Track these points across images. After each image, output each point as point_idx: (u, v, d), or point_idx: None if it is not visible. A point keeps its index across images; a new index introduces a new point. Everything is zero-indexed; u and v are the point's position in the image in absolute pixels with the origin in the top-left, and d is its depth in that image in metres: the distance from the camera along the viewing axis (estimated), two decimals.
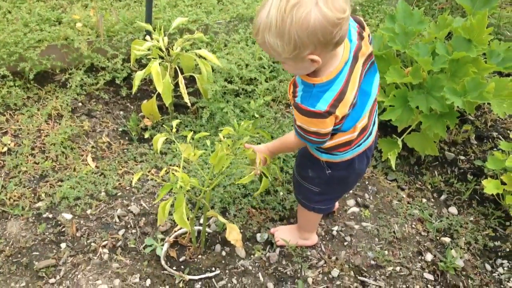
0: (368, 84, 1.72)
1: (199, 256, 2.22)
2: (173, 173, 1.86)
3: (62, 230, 2.27)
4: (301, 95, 1.60)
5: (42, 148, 2.59)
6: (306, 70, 1.57)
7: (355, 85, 1.63)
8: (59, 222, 2.29)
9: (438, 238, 2.39)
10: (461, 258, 2.30)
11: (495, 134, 2.90)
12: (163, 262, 2.17)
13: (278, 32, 1.41)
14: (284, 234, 2.27)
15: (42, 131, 2.67)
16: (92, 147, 2.65)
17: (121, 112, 2.88)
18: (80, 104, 2.86)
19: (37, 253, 2.18)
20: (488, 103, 3.06)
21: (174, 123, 2.05)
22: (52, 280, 2.09)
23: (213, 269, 2.18)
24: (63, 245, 2.22)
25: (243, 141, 1.94)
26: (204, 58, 2.65)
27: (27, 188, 2.40)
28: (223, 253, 2.24)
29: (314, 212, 2.10)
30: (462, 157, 2.77)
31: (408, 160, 2.73)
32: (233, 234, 2.08)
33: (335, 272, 2.20)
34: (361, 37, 1.65)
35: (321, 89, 1.57)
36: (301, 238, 2.26)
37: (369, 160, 1.96)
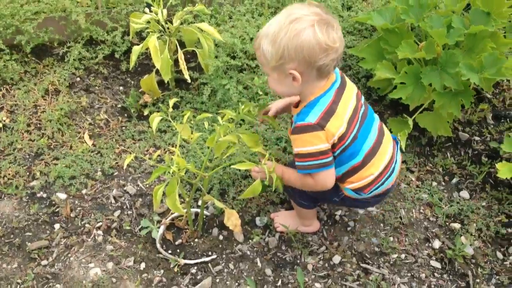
0: (370, 120, 1.80)
1: (196, 240, 2.14)
2: (169, 156, 1.76)
3: (56, 210, 2.20)
4: (295, 120, 1.72)
5: (38, 125, 2.51)
6: (287, 87, 1.68)
7: (348, 106, 1.71)
8: (53, 202, 2.22)
9: (447, 224, 2.27)
10: (471, 245, 2.18)
11: None
12: (158, 246, 2.10)
13: (272, 40, 1.58)
14: (284, 219, 2.18)
15: (38, 107, 2.59)
16: (90, 124, 2.57)
17: (121, 88, 2.78)
18: (78, 79, 2.76)
19: (30, 234, 2.12)
20: (507, 80, 2.90)
21: (171, 102, 1.95)
22: (44, 262, 2.04)
23: (210, 253, 2.11)
24: (56, 226, 2.15)
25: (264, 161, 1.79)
26: (206, 32, 2.53)
27: (22, 166, 2.34)
28: (221, 237, 2.16)
29: (301, 207, 2.04)
30: (477, 138, 2.62)
31: (419, 140, 2.60)
32: (232, 219, 1.99)
33: (336, 259, 2.10)
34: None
35: (310, 106, 1.67)
36: (302, 224, 2.16)
37: (382, 202, 2.07)
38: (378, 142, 1.79)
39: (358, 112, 1.75)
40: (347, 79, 1.80)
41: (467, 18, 2.48)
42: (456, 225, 2.26)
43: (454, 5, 2.54)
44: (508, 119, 2.71)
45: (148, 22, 2.45)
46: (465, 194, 2.40)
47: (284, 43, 1.55)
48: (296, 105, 1.80)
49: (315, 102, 1.68)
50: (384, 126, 1.89)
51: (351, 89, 1.77)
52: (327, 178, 1.73)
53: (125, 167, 2.06)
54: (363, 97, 1.82)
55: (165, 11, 2.48)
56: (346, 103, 1.71)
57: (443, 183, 2.45)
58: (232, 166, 1.83)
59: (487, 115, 2.73)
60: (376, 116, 1.86)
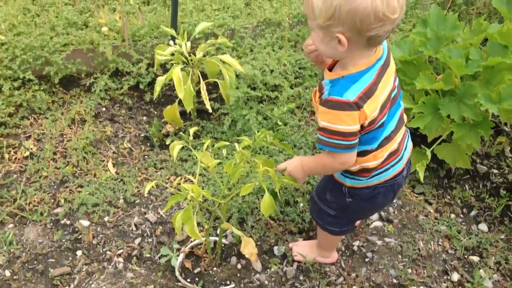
0: (397, 106, 1.67)
1: (214, 268, 2.17)
2: (183, 185, 1.81)
3: (79, 237, 2.25)
4: (328, 90, 1.55)
5: (64, 153, 2.59)
6: (330, 49, 1.50)
7: (386, 90, 1.56)
8: (76, 229, 2.28)
9: (466, 256, 2.27)
10: (490, 279, 2.17)
11: None
12: (177, 274, 2.13)
13: None
14: (302, 249, 2.19)
15: (64, 136, 2.67)
16: (113, 152, 2.64)
17: (144, 118, 2.86)
18: (103, 109, 2.85)
19: (53, 260, 2.17)
20: None
21: (192, 130, 2.01)
22: None
23: (228, 282, 2.13)
24: (78, 252, 2.20)
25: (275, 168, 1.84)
26: (228, 64, 2.61)
27: (47, 194, 2.41)
28: (239, 266, 2.18)
29: (328, 233, 2.01)
30: (495, 171, 2.63)
31: (437, 172, 2.61)
32: (248, 247, 2.02)
33: None
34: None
35: (350, 80, 1.52)
36: (320, 255, 2.18)
37: (395, 196, 1.87)
38: (396, 130, 1.69)
39: (391, 96, 1.62)
40: (391, 54, 1.64)
41: (485, 51, 2.51)
42: (475, 258, 2.25)
43: (472, 38, 2.58)
44: None
45: (172, 54, 2.53)
46: (483, 227, 2.39)
47: (336, 3, 1.37)
48: (330, 67, 1.64)
49: (357, 77, 1.52)
50: (404, 113, 1.77)
51: (392, 68, 1.62)
52: (349, 159, 1.61)
53: (146, 194, 2.11)
54: (397, 78, 1.69)
55: (188, 43, 2.56)
56: (385, 86, 1.57)
57: (461, 216, 2.44)
58: (240, 194, 1.87)
59: (505, 148, 2.73)
60: (402, 102, 1.74)
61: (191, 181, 2.18)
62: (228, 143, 2.02)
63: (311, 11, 1.44)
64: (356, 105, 1.49)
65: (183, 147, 1.98)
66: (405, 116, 1.78)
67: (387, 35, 1.46)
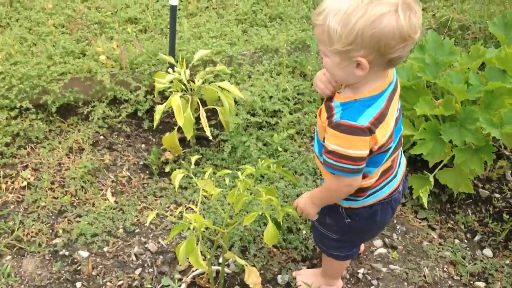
0: (398, 128, 1.65)
1: None
2: (185, 215, 1.78)
3: (78, 268, 2.20)
4: (340, 113, 1.49)
5: (62, 183, 2.55)
6: (346, 75, 1.47)
7: (394, 114, 1.54)
8: (75, 260, 2.23)
9: (471, 282, 2.24)
10: None
11: None
12: None
13: (343, 20, 1.33)
14: (307, 278, 2.15)
15: (62, 165, 2.64)
16: (112, 181, 2.60)
17: (143, 145, 2.83)
18: (101, 137, 2.82)
19: None
20: None
21: (193, 159, 1.99)
22: None
23: None
24: (78, 284, 2.15)
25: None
26: (227, 90, 2.60)
27: (45, 224, 2.36)
28: None
29: (333, 259, 1.98)
30: (497, 195, 2.61)
31: (439, 197, 2.59)
32: (252, 277, 1.99)
33: None
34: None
35: (364, 104, 1.47)
36: (325, 283, 2.14)
37: (394, 212, 1.83)
38: (394, 151, 1.65)
39: (396, 115, 1.59)
40: (397, 78, 1.61)
41: (482, 75, 2.53)
42: (481, 284, 2.22)
43: (470, 63, 2.60)
44: None
45: (171, 81, 2.52)
46: (488, 252, 2.37)
47: (359, 27, 1.32)
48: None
49: (371, 101, 1.48)
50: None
51: (398, 91, 1.59)
52: (354, 182, 1.57)
53: (147, 224, 2.07)
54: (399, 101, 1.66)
55: (187, 71, 2.56)
56: (393, 111, 1.54)
57: (465, 241, 2.42)
58: (244, 224, 1.84)
59: (506, 172, 2.72)
60: (401, 125, 1.70)
61: (192, 209, 2.15)
62: (229, 171, 2.00)
63: (327, 37, 1.38)
64: (369, 130, 1.45)
65: (184, 175, 1.95)
66: (401, 139, 1.75)
67: (407, 55, 1.43)
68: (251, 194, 1.85)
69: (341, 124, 1.47)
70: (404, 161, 1.80)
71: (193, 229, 1.79)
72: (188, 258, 1.83)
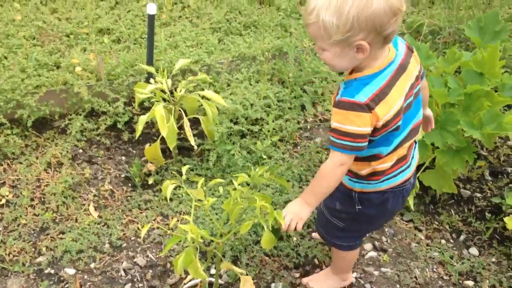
0: (412, 114, 1.67)
1: None
2: (181, 226, 1.74)
3: (66, 286, 2.13)
4: (342, 92, 1.56)
5: (42, 199, 2.47)
6: (349, 61, 1.53)
7: (401, 95, 1.57)
8: (61, 278, 2.16)
9: (461, 282, 2.27)
10: None
11: (509, 169, 2.81)
12: None
13: (337, 11, 1.40)
14: (319, 282, 2.14)
15: (41, 181, 2.55)
16: (94, 195, 2.54)
17: (123, 158, 2.77)
18: (80, 150, 2.75)
19: None
20: (501, 137, 2.99)
21: (184, 169, 1.95)
22: None
23: None
24: None
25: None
26: (208, 99, 2.58)
27: (27, 242, 2.27)
28: None
29: (336, 248, 1.98)
30: (478, 195, 2.67)
31: (423, 199, 2.63)
32: (247, 286, 1.96)
33: None
34: (410, 51, 1.63)
35: (362, 82, 1.53)
36: (339, 279, 2.14)
37: (404, 203, 1.86)
38: (407, 138, 1.68)
39: (409, 100, 1.62)
40: (413, 54, 1.65)
41: (460, 78, 2.58)
42: (470, 283, 2.26)
43: (447, 66, 2.65)
44: (505, 175, 2.78)
45: (152, 92, 2.48)
46: (474, 251, 2.41)
47: (353, 14, 1.39)
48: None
49: (370, 79, 1.53)
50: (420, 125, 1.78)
51: (410, 75, 1.61)
52: (347, 161, 1.59)
53: (142, 237, 2.02)
54: (423, 78, 1.72)
55: (169, 80, 2.52)
56: (401, 91, 1.57)
57: (451, 241, 2.46)
58: (241, 233, 1.81)
59: (485, 172, 2.79)
60: (421, 112, 1.73)
61: (185, 220, 2.11)
62: (222, 180, 1.97)
63: (323, 32, 1.45)
64: (368, 107, 1.50)
65: (176, 185, 1.92)
66: (420, 129, 1.80)
67: (397, 29, 1.50)
68: (244, 202, 1.83)
69: (340, 101, 1.53)
70: (417, 156, 1.84)
71: (191, 241, 1.75)
72: (181, 271, 1.79)
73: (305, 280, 2.18)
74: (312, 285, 2.15)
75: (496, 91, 2.59)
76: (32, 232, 2.33)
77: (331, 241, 1.98)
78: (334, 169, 1.61)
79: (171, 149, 2.60)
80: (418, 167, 2.54)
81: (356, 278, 2.24)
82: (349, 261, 2.10)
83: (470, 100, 2.47)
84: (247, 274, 2.17)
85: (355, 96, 1.50)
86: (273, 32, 3.58)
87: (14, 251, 2.24)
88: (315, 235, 2.36)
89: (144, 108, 2.88)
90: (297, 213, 1.70)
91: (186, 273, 2.05)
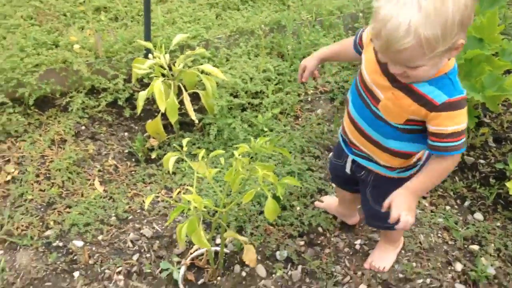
0: None
1: (218, 278, 2.11)
2: (184, 196, 1.75)
3: (74, 258, 2.15)
4: (441, 92, 1.44)
5: (47, 175, 2.48)
6: (440, 66, 1.42)
7: None
8: (70, 250, 2.18)
9: (466, 246, 2.29)
10: (492, 265, 2.19)
11: None
12: (181, 286, 2.06)
13: (440, 20, 1.26)
14: (380, 258, 2.16)
15: (46, 157, 2.56)
16: (99, 170, 2.55)
17: (126, 134, 2.78)
18: (83, 127, 2.75)
19: (50, 284, 2.06)
20: (504, 104, 2.99)
21: (185, 141, 1.95)
22: None
23: None
24: (76, 273, 2.10)
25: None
26: (208, 74, 2.57)
27: (35, 217, 2.29)
28: (243, 274, 2.13)
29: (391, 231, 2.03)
30: (482, 161, 2.68)
31: None
32: (249, 254, 2.00)
33: None
34: None
35: (453, 74, 1.46)
36: (395, 247, 2.19)
37: None
38: None
39: None
40: None
41: None
42: (475, 247, 2.28)
43: None
44: (508, 141, 2.79)
45: (150, 67, 2.48)
46: (479, 216, 2.43)
47: (458, 18, 1.27)
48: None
49: (455, 68, 1.47)
50: None
51: None
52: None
53: (146, 208, 2.03)
54: None
55: (167, 56, 2.52)
56: None
57: (456, 207, 2.47)
58: (243, 202, 1.82)
59: (488, 139, 2.79)
60: None
61: (188, 191, 2.12)
62: (223, 151, 1.97)
63: (427, 48, 1.30)
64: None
65: (177, 158, 1.92)
66: None
67: None
68: (246, 172, 1.84)
69: (452, 102, 1.44)
70: None
71: (195, 210, 1.76)
72: (183, 240, 1.81)
73: (367, 264, 2.17)
74: (376, 264, 2.15)
75: (496, 57, 2.59)
76: (39, 207, 2.35)
77: (384, 226, 1.90)
78: (453, 167, 1.58)
79: (172, 124, 2.61)
80: None
81: (360, 244, 2.26)
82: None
83: (471, 65, 2.47)
84: (251, 243, 2.19)
85: (463, 91, 1.45)
86: (271, 5, 3.57)
87: (22, 225, 2.25)
88: (317, 203, 2.38)
89: (144, 84, 2.88)
90: (413, 208, 1.56)
91: (192, 243, 2.06)
